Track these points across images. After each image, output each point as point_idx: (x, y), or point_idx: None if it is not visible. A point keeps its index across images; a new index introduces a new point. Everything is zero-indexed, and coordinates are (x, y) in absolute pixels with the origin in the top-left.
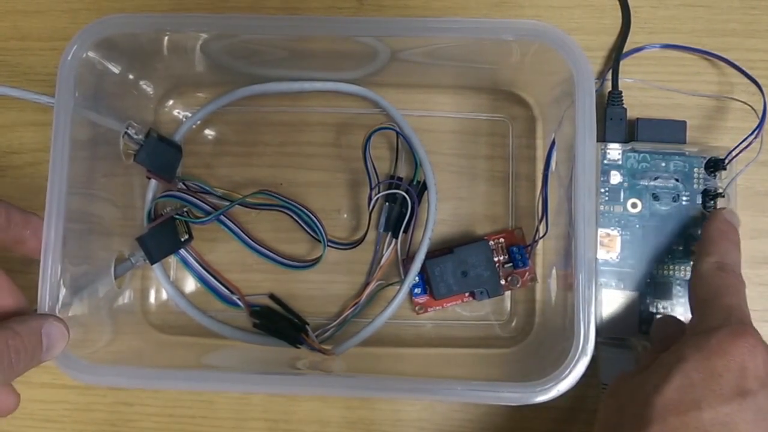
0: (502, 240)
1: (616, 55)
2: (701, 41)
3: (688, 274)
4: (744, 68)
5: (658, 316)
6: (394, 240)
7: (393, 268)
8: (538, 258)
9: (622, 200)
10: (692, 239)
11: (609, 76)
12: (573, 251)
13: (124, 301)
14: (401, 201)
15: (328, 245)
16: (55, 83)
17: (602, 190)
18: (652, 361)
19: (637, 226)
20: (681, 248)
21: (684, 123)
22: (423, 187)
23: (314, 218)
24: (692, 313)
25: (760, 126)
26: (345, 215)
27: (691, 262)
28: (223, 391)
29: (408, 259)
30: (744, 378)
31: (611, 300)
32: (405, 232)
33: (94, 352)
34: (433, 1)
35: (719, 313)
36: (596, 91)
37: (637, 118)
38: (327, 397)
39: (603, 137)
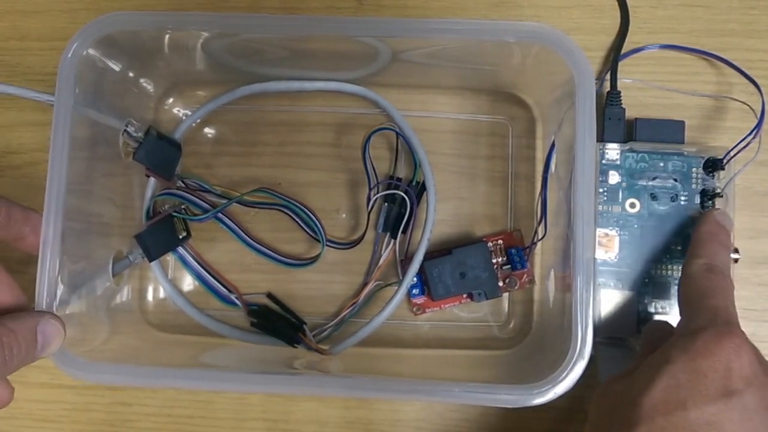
0: (500, 242)
1: (614, 56)
2: (700, 41)
3: None
4: (743, 68)
5: (654, 318)
6: (392, 240)
7: (391, 268)
8: (536, 258)
9: (620, 200)
10: (690, 239)
11: (608, 76)
12: (572, 253)
13: (122, 299)
14: (400, 201)
15: (326, 245)
16: (54, 83)
17: (601, 190)
18: (641, 363)
19: (636, 226)
20: (679, 248)
21: (682, 123)
22: (422, 188)
23: (313, 217)
24: (680, 314)
25: (758, 126)
26: (344, 215)
27: None
28: (220, 390)
29: (406, 259)
30: (729, 378)
31: (609, 300)
32: (404, 232)
33: (91, 350)
34: (432, 1)
35: (705, 314)
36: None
37: (636, 118)
38: (325, 397)
39: (601, 137)
